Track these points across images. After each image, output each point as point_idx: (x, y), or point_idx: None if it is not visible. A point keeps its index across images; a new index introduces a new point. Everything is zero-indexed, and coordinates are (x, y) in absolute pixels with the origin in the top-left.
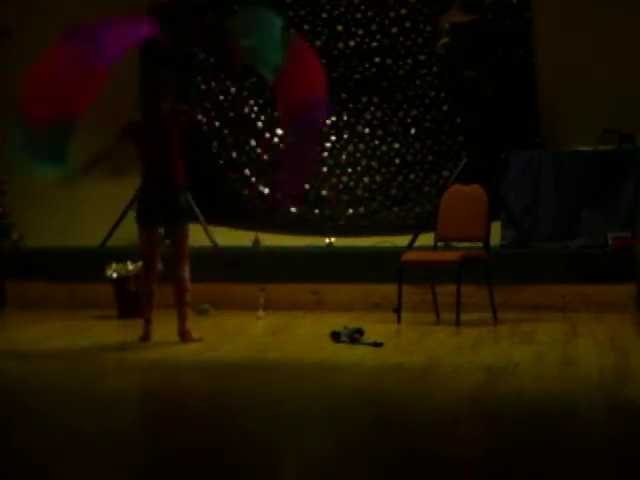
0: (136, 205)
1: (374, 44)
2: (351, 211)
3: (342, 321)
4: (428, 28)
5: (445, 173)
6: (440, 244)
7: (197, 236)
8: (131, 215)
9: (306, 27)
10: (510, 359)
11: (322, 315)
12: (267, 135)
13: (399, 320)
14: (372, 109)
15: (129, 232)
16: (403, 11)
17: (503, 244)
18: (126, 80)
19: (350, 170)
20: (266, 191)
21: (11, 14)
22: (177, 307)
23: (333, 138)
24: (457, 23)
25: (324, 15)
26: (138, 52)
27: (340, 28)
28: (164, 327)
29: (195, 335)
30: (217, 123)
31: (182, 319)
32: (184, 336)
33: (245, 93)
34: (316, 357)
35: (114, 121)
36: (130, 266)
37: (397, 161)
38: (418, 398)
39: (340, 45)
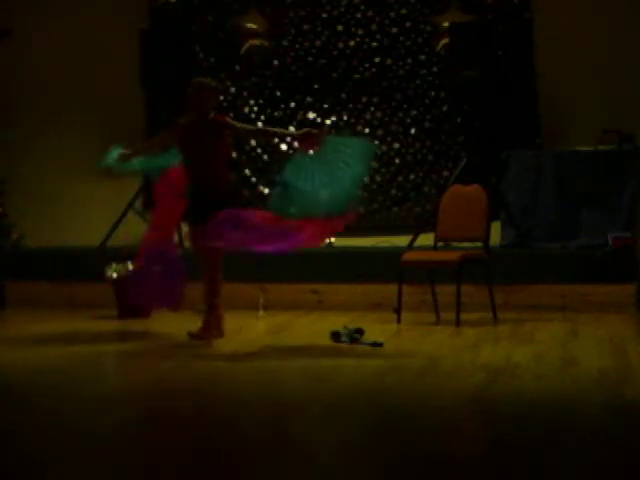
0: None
1: (374, 44)
2: None
3: (342, 321)
4: (428, 28)
5: (445, 173)
6: (440, 244)
7: None
8: (131, 215)
9: (306, 27)
10: (510, 359)
11: (322, 315)
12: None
13: (399, 320)
14: (372, 109)
15: (129, 232)
16: (403, 11)
17: (503, 244)
18: (126, 80)
19: None
20: (266, 191)
21: (11, 14)
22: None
23: None
24: (457, 23)
25: (324, 15)
26: (138, 50)
27: (340, 28)
28: (164, 327)
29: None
30: None
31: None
32: (204, 333)
33: (245, 93)
34: (316, 357)
35: (114, 120)
36: (130, 266)
37: (397, 161)
38: (418, 398)
39: (340, 45)
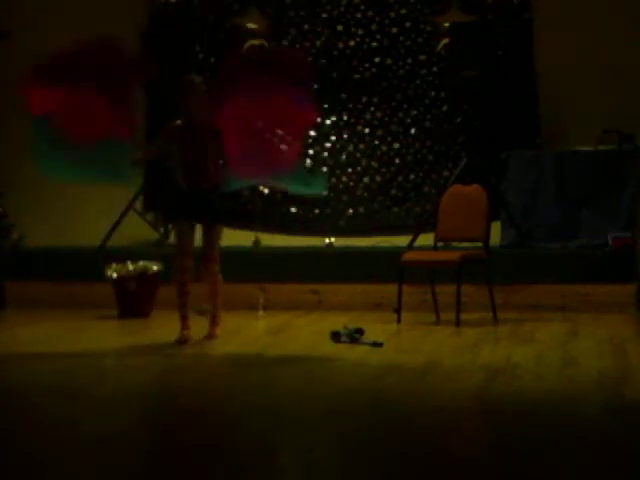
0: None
1: (374, 44)
2: (351, 211)
3: (342, 321)
4: (428, 28)
5: (445, 173)
6: (440, 244)
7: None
8: (131, 215)
9: (306, 27)
10: (510, 359)
11: (322, 315)
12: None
13: (399, 320)
14: (372, 109)
15: (129, 232)
16: (403, 11)
17: (503, 244)
18: None
19: (350, 170)
20: (266, 191)
21: (11, 14)
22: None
23: (333, 138)
24: (457, 23)
25: (324, 15)
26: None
27: (340, 28)
28: (164, 327)
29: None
30: None
31: (214, 320)
32: (212, 336)
33: None
34: (316, 357)
35: None
36: (130, 266)
37: (397, 161)
38: (418, 398)
39: (340, 45)
